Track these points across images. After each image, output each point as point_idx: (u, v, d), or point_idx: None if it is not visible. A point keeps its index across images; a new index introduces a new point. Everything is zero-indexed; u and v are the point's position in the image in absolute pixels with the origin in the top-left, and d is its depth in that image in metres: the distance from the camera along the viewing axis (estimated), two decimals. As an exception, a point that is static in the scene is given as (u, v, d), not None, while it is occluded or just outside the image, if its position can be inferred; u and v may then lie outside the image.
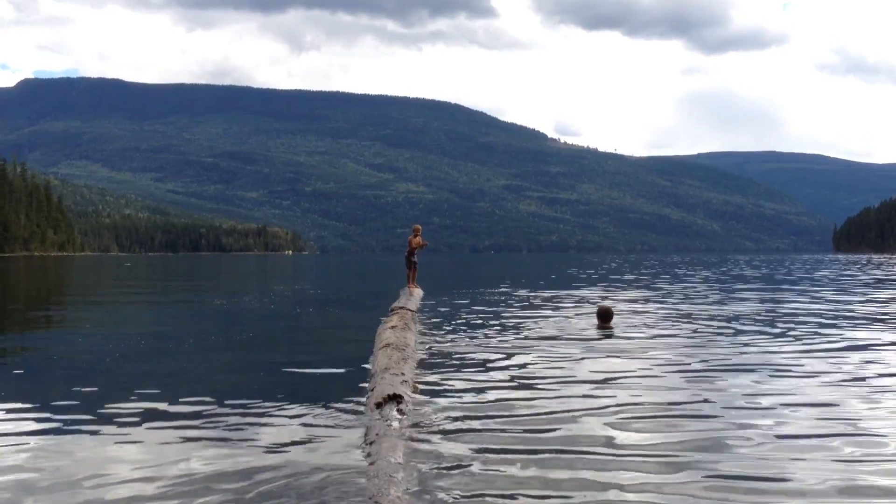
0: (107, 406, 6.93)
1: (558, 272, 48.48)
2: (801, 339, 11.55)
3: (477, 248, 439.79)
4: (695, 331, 12.84)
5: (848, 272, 45.43)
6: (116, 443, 5.72)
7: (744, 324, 14.04)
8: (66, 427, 6.21)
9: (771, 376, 8.40)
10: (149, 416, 6.56)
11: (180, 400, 7.20)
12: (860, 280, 34.08)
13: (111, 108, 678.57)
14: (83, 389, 7.86)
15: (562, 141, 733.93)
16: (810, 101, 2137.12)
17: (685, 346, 10.94)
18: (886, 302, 19.94)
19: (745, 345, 11.02)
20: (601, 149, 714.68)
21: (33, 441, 5.80)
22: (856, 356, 9.97)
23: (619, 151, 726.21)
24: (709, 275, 41.64)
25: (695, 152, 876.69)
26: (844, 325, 13.94)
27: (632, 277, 38.32)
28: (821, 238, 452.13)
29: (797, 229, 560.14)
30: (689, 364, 9.27)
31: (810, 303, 19.64)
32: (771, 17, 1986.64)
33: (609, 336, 12.24)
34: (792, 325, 13.61)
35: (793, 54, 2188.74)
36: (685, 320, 14.74)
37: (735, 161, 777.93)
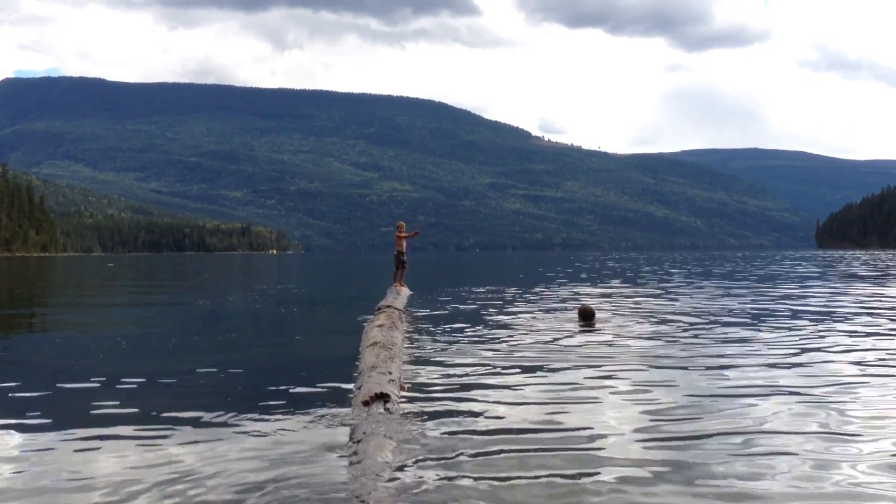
0: (89, 407, 6.82)
1: (541, 270, 48.50)
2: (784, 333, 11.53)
3: (462, 246, 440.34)
4: (677, 328, 12.79)
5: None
6: (98, 445, 5.60)
7: (723, 319, 14.03)
8: (46, 429, 6.11)
9: (755, 372, 8.36)
10: (131, 417, 6.47)
11: (163, 400, 7.12)
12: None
13: (93, 107, 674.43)
14: (65, 390, 7.78)
15: (546, 139, 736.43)
16: (793, 98, 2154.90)
17: (668, 344, 10.84)
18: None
19: (725, 340, 10.99)
20: (585, 146, 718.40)
21: (13, 444, 5.70)
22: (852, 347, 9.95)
23: (603, 149, 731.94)
24: (684, 271, 41.80)
25: (678, 149, 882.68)
26: (831, 319, 13.94)
27: (611, 274, 38.43)
28: (804, 234, 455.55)
29: (780, 225, 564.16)
30: (674, 363, 9.16)
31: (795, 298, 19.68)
32: (753, 14, 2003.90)
33: (592, 335, 11.98)
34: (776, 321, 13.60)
35: (775, 51, 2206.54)
36: (665, 316, 14.71)
37: (718, 158, 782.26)
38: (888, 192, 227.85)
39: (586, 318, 13.47)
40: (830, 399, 6.99)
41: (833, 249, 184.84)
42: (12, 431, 6.06)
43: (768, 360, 9.24)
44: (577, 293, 23.16)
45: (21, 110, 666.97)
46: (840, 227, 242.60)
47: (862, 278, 31.30)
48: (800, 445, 5.43)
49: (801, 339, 11.03)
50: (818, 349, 10.09)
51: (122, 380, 8.22)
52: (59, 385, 8.12)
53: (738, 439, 5.60)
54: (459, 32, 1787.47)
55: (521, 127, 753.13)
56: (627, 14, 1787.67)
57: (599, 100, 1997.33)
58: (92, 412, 6.64)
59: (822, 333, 11.79)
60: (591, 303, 16.21)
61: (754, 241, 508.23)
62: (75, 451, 5.46)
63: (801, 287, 25.19)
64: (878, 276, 33.84)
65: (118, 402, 7.04)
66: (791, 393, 7.26)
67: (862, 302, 18.35)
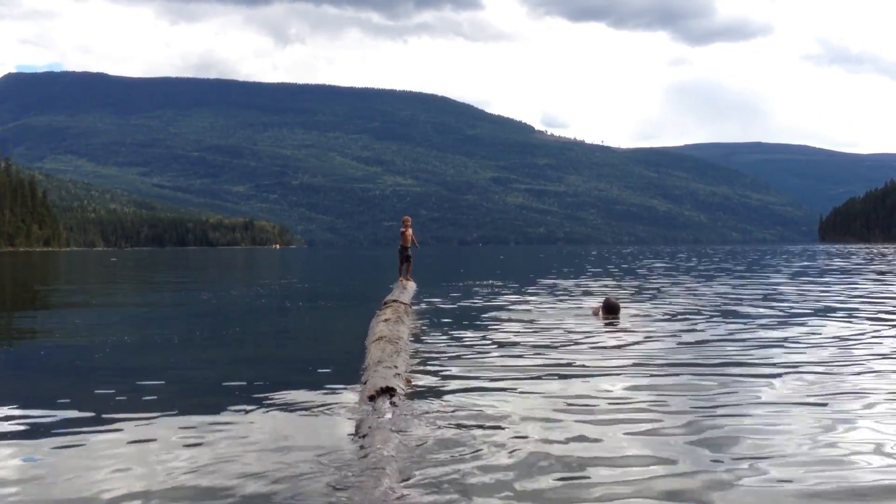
0: (92, 402, 6.81)
1: (547, 264, 48.37)
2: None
3: (465, 240, 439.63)
4: (702, 322, 12.67)
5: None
6: (102, 439, 5.57)
7: (746, 311, 13.91)
8: (51, 424, 6.06)
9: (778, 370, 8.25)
10: (134, 412, 6.39)
11: (167, 395, 7.11)
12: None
13: (96, 102, 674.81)
14: (69, 386, 7.72)
15: (549, 133, 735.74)
16: (796, 92, 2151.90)
17: (695, 339, 10.59)
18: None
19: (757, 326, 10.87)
20: (588, 140, 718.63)
21: (17, 440, 5.66)
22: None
23: (606, 143, 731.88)
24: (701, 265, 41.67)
25: (681, 143, 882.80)
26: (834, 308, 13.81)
27: (625, 268, 38.32)
28: (807, 228, 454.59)
29: (784, 220, 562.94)
30: (703, 360, 8.81)
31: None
32: (756, 7, 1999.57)
33: (615, 330, 11.56)
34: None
35: (777, 45, 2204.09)
36: (690, 310, 14.56)
37: (721, 152, 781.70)
38: (891, 185, 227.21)
39: (611, 311, 13.08)
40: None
41: (836, 244, 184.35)
42: (16, 427, 6.00)
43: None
44: (594, 287, 22.95)
45: (23, 105, 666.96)
46: (843, 222, 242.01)
47: None
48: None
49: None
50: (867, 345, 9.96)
51: (127, 376, 8.19)
52: (63, 381, 8.09)
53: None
54: (461, 26, 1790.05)
55: (523, 121, 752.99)
56: (630, 8, 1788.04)
57: (602, 94, 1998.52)
58: (96, 408, 6.56)
59: (857, 328, 11.68)
60: (615, 297, 15.69)
61: (757, 236, 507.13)
62: (80, 447, 5.39)
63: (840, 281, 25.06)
64: None
65: (123, 399, 7.00)
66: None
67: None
